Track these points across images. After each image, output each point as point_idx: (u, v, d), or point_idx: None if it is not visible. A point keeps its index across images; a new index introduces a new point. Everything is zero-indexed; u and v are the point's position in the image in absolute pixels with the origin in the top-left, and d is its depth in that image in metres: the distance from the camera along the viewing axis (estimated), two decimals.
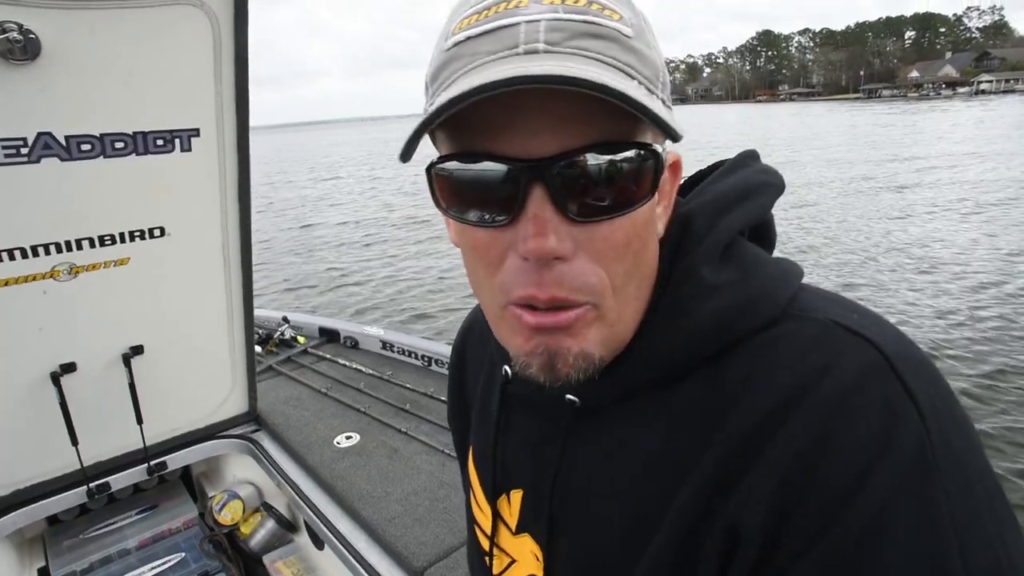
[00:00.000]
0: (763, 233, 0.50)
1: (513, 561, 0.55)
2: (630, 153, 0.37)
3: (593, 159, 0.36)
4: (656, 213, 0.44)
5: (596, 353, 0.41)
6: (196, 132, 1.40)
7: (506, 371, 0.54)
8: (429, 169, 0.41)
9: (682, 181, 0.51)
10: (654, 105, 0.35)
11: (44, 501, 1.63)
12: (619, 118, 0.36)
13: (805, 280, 0.46)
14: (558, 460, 0.49)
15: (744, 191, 0.47)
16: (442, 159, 0.40)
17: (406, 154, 0.37)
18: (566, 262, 0.38)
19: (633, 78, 0.37)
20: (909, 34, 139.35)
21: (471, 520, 0.62)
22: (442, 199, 0.41)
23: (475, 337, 0.65)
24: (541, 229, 0.37)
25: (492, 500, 0.56)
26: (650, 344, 0.43)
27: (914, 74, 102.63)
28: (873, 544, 0.33)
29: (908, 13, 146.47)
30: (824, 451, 0.35)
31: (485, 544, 0.58)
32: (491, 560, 0.57)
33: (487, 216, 0.39)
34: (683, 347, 0.42)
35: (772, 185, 0.48)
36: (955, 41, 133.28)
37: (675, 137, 0.37)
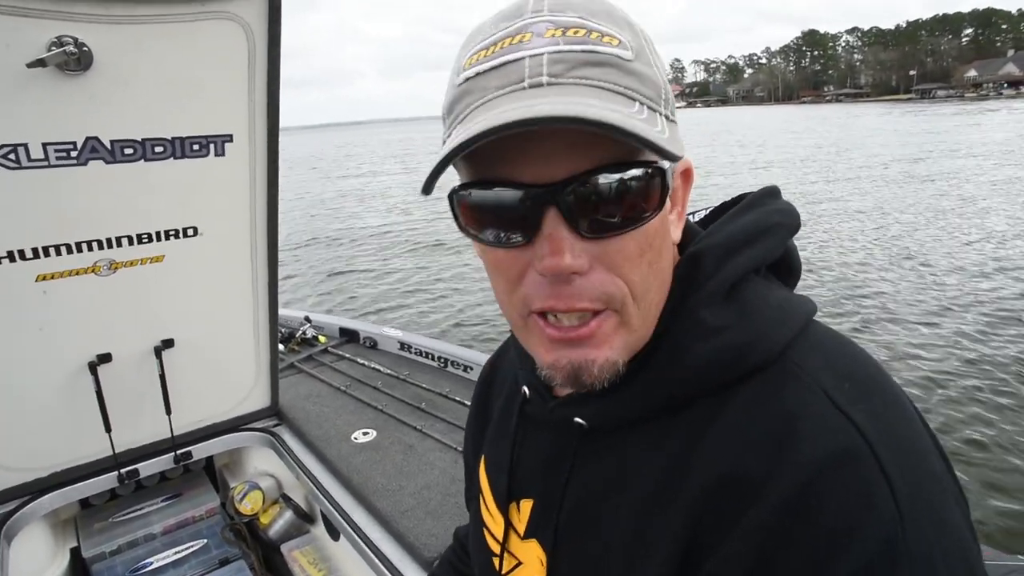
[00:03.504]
0: (786, 265, 0.51)
1: (519, 563, 0.59)
2: (635, 172, 0.40)
3: (600, 180, 0.39)
4: (669, 220, 0.46)
5: (620, 359, 0.44)
6: (230, 138, 1.49)
7: (525, 391, 0.58)
8: (451, 195, 0.44)
9: (707, 212, 0.54)
10: (655, 126, 0.38)
11: (78, 484, 1.72)
12: (623, 140, 0.38)
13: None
14: (567, 475, 0.52)
15: (755, 232, 0.48)
16: (463, 186, 0.43)
17: (427, 188, 0.40)
18: (583, 275, 0.41)
19: (634, 100, 0.39)
20: (967, 32, 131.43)
21: (479, 522, 0.66)
22: (464, 222, 0.44)
23: (509, 356, 0.69)
24: (556, 248, 0.40)
25: (504, 507, 0.60)
26: (652, 378, 0.46)
27: (972, 73, 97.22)
28: None
29: (953, 12, 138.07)
30: (798, 530, 0.37)
31: (494, 547, 0.62)
32: (501, 561, 0.61)
33: (506, 237, 0.42)
34: (680, 384, 0.45)
35: (785, 226, 0.50)
36: (1017, 38, 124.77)
37: (672, 158, 0.39)
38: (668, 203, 0.44)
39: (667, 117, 0.42)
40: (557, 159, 0.39)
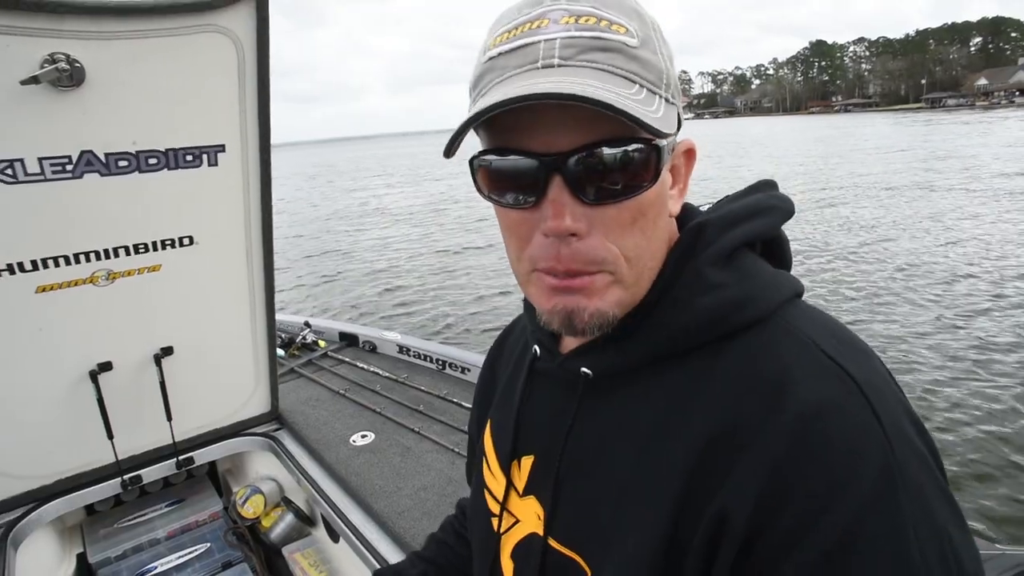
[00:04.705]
0: (779, 254, 0.56)
1: (517, 521, 0.60)
2: (631, 148, 0.44)
3: (600, 153, 0.44)
4: (668, 194, 0.50)
5: (610, 311, 0.48)
6: (222, 148, 1.51)
7: (535, 349, 0.62)
8: (472, 161, 0.49)
9: (712, 203, 0.59)
10: (650, 106, 0.43)
11: (82, 491, 1.75)
12: (623, 118, 0.42)
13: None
14: (569, 427, 0.55)
15: (754, 211, 0.53)
16: (481, 153, 0.48)
17: (449, 151, 0.46)
18: (581, 238, 0.45)
19: (634, 82, 0.44)
20: (975, 40, 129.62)
21: (481, 485, 0.68)
22: (482, 186, 0.49)
23: (519, 328, 0.75)
24: (558, 211, 0.44)
25: (506, 466, 0.62)
26: (654, 328, 0.50)
27: (982, 81, 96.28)
28: (851, 542, 0.39)
29: (960, 21, 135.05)
30: (807, 461, 0.40)
31: (494, 507, 0.64)
32: (500, 521, 0.62)
33: (517, 199, 0.47)
34: (681, 333, 0.49)
35: (780, 208, 0.55)
36: None
37: (659, 134, 0.43)
38: (669, 178, 0.50)
39: (667, 100, 0.46)
40: (564, 132, 0.44)
